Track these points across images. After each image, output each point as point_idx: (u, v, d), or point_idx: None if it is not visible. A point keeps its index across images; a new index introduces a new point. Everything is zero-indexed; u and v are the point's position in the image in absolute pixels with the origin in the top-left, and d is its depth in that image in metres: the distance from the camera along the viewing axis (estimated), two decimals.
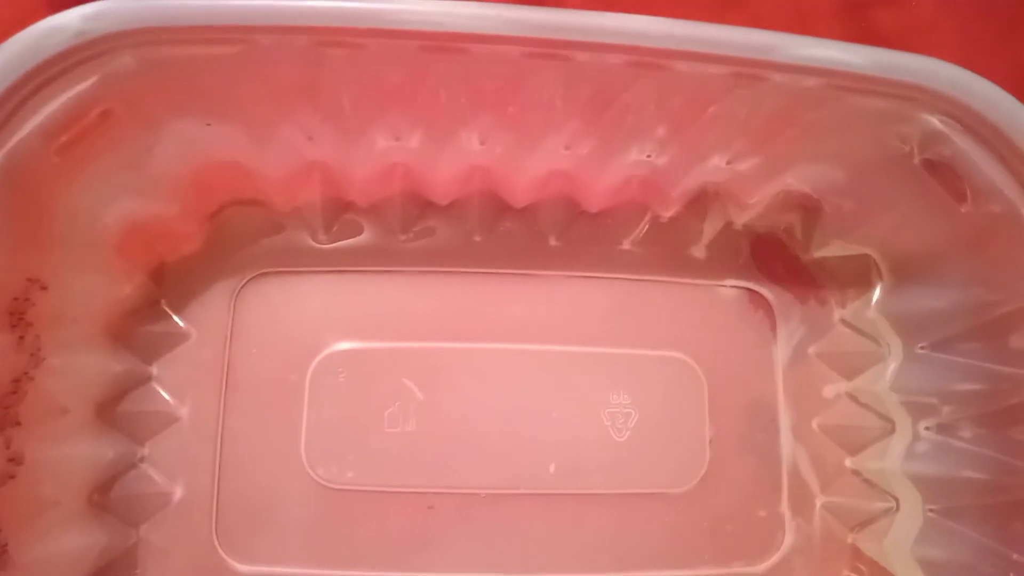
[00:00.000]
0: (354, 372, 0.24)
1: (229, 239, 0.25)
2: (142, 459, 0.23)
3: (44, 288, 0.20)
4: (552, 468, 0.24)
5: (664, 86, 0.19)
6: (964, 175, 0.20)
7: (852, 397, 0.25)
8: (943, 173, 0.21)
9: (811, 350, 0.26)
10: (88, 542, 0.21)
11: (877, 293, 0.25)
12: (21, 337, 0.19)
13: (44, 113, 0.17)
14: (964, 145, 0.19)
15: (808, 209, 0.25)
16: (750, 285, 0.26)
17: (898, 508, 0.24)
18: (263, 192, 0.24)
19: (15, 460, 0.19)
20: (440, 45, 0.18)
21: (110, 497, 0.22)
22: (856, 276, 0.25)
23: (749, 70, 0.19)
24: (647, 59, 0.18)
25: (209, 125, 0.21)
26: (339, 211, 0.25)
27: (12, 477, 0.19)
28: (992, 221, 0.20)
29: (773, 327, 0.26)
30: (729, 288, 0.26)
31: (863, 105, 0.19)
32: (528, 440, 0.24)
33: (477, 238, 0.26)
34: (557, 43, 0.18)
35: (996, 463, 0.21)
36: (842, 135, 0.21)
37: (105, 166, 0.20)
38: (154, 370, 0.24)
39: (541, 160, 0.23)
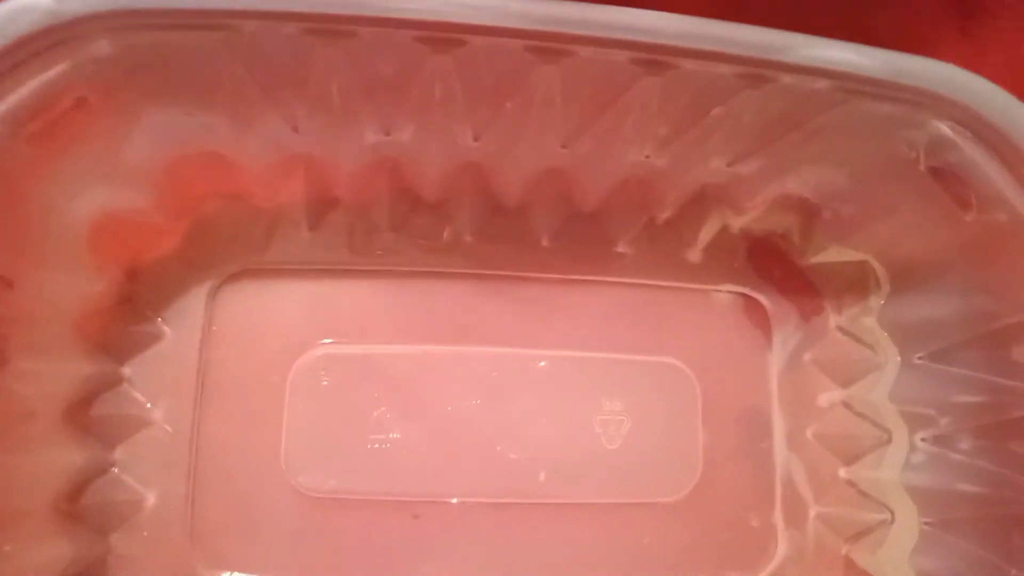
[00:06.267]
0: (337, 375, 0.24)
1: (208, 235, 0.24)
2: (113, 464, 0.22)
3: (10, 286, 0.19)
4: (542, 476, 0.24)
5: (669, 85, 0.19)
6: (971, 183, 0.20)
7: (847, 406, 0.25)
8: (949, 180, 0.20)
9: (806, 357, 0.25)
10: (55, 553, 0.20)
11: (875, 300, 0.25)
12: None
13: (13, 99, 0.17)
14: (972, 153, 0.19)
15: (806, 212, 0.25)
16: (746, 290, 0.26)
17: (893, 520, 0.24)
18: (244, 186, 0.23)
19: None
20: (437, 36, 0.17)
21: (80, 505, 0.21)
22: (854, 283, 0.25)
23: (758, 70, 0.18)
24: (654, 56, 0.18)
25: (190, 115, 0.20)
26: (324, 207, 0.24)
27: None
28: (998, 230, 0.20)
29: (768, 333, 0.26)
30: (724, 293, 0.26)
31: (872, 109, 0.19)
32: (517, 447, 0.24)
33: (467, 238, 0.25)
34: (562, 36, 0.17)
35: (995, 476, 0.21)
36: (848, 139, 0.20)
37: (78, 157, 0.19)
38: (127, 371, 0.23)
39: (536, 158, 0.22)
